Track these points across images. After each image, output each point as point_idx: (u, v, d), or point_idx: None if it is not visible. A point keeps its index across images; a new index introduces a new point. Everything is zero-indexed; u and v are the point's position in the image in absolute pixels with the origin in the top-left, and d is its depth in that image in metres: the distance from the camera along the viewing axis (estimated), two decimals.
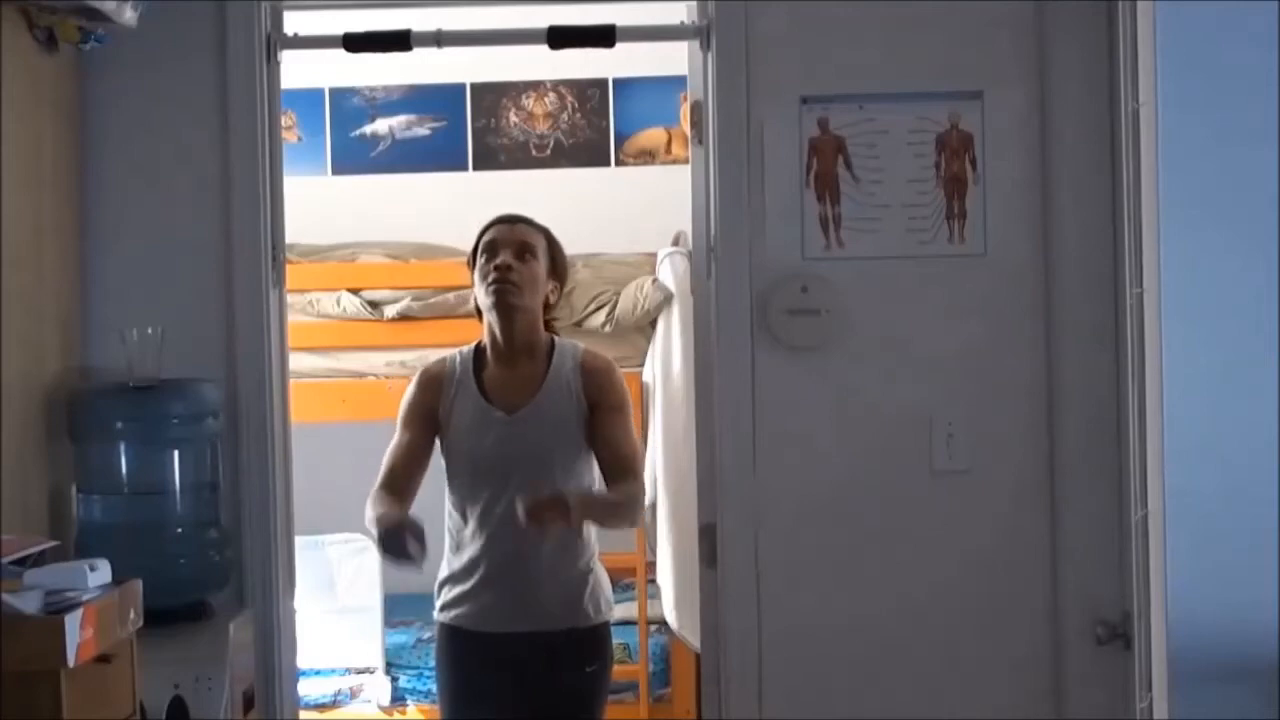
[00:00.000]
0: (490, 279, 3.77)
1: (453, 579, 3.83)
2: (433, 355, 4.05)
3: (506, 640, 3.77)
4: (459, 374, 3.85)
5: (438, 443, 3.84)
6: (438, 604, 3.86)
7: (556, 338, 3.89)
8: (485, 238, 3.84)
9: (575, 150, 6.78)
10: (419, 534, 3.50)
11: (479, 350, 3.88)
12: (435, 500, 3.84)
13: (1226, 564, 2.89)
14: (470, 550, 3.78)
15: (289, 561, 3.99)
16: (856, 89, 3.90)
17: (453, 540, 3.84)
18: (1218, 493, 2.89)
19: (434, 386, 3.85)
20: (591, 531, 3.81)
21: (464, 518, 3.80)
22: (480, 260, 3.82)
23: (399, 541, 3.48)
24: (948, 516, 3.90)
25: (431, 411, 3.83)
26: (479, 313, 3.87)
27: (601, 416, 3.77)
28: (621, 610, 5.65)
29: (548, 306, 3.87)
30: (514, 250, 3.80)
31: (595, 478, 3.80)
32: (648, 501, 5.26)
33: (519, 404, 3.78)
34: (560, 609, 3.77)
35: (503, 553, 3.74)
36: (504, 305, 3.78)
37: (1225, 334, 2.92)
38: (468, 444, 3.78)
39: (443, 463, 3.85)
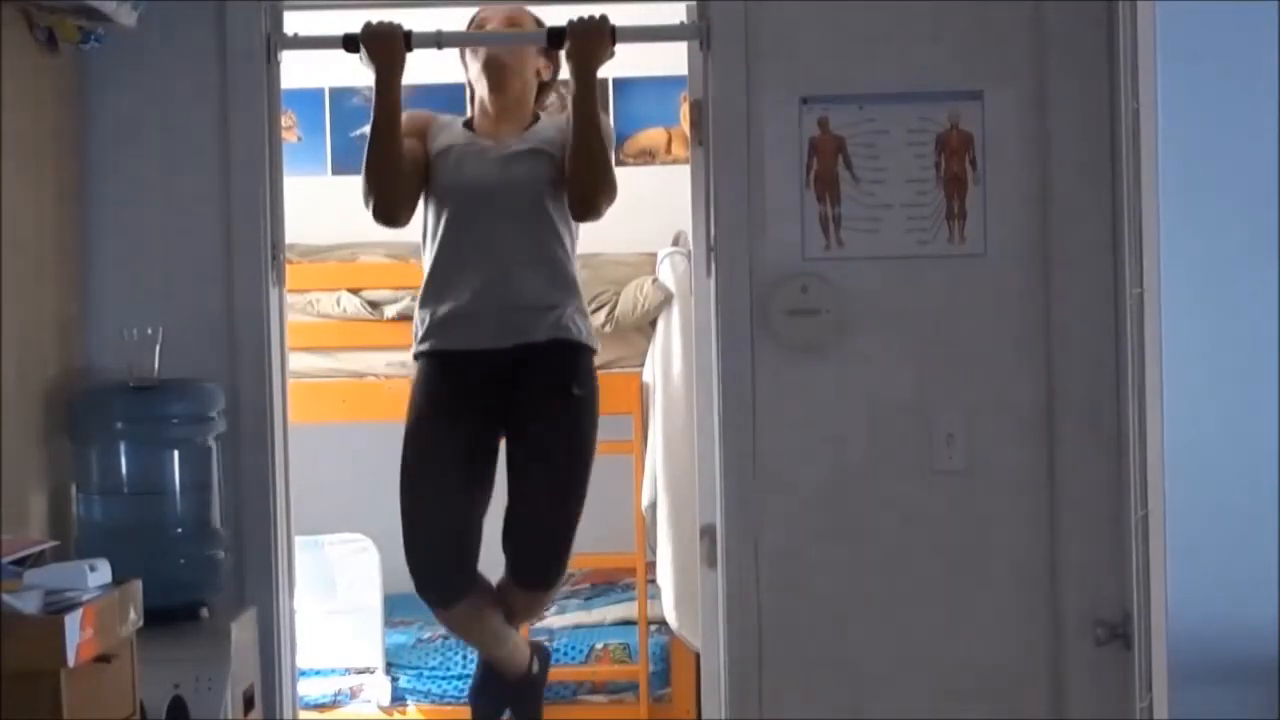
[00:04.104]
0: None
1: (434, 310, 3.88)
2: None
3: (492, 356, 3.82)
4: (445, 119, 3.96)
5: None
6: (418, 337, 3.91)
7: (542, 114, 3.99)
8: (475, 18, 3.98)
9: None
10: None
11: (465, 122, 3.99)
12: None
13: (1226, 563, 2.89)
14: (455, 278, 3.84)
15: (289, 561, 3.99)
16: (856, 89, 3.90)
17: (435, 275, 3.89)
18: (1217, 493, 2.90)
19: (420, 122, 3.94)
20: (574, 270, 3.88)
21: (448, 250, 3.85)
22: None
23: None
24: (948, 516, 3.91)
25: (420, 145, 3.88)
26: (470, 97, 3.96)
27: None
28: (621, 610, 5.67)
29: (541, 88, 3.99)
30: (502, 23, 3.93)
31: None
32: (646, 502, 5.27)
33: (508, 140, 3.88)
34: (545, 322, 3.82)
35: (489, 275, 3.81)
36: (493, 63, 3.88)
37: (1225, 334, 2.93)
38: (458, 175, 3.85)
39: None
